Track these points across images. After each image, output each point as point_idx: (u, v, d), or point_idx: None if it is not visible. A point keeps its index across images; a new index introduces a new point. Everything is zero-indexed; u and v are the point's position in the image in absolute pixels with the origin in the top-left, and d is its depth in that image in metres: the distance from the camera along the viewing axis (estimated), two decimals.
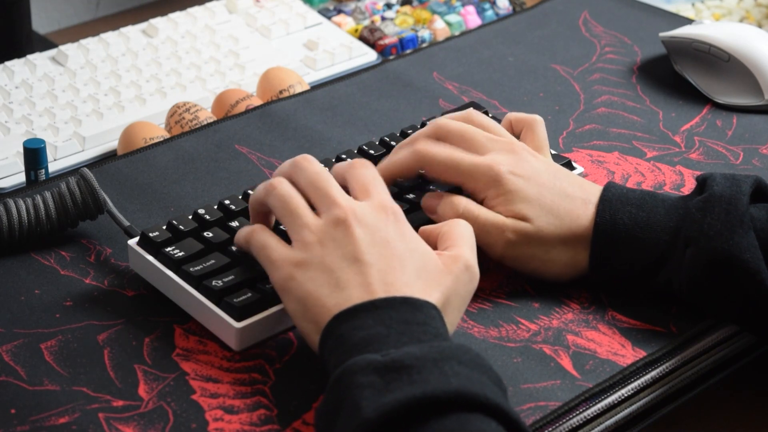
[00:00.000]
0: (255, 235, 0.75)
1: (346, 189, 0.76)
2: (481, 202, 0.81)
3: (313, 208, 0.74)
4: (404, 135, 0.90)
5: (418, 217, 0.82)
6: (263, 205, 0.76)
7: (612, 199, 0.81)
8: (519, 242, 0.80)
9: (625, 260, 0.80)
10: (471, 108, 0.88)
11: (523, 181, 0.81)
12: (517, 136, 0.86)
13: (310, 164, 0.75)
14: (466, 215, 0.80)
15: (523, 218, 0.80)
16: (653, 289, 0.81)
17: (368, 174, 0.75)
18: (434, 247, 0.75)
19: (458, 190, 0.83)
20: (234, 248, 0.78)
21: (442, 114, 0.90)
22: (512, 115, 0.88)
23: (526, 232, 0.80)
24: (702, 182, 0.82)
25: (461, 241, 0.75)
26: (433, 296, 0.71)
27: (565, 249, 0.81)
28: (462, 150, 0.82)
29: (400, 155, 0.83)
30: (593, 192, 0.82)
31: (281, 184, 0.74)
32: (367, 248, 0.71)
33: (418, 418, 0.62)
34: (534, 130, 0.86)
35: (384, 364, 0.65)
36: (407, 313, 0.69)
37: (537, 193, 0.81)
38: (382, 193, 0.74)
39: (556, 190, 0.81)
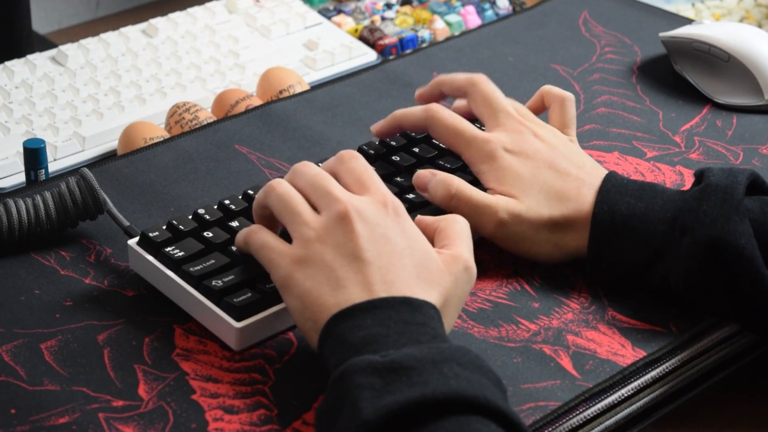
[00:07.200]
0: (253, 235, 0.75)
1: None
2: (476, 174, 0.83)
3: (314, 208, 0.74)
4: (405, 135, 0.90)
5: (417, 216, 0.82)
6: (265, 208, 0.75)
7: (611, 190, 0.81)
8: (510, 222, 0.81)
9: (622, 251, 0.80)
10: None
11: (517, 159, 0.82)
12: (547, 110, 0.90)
13: (308, 167, 0.75)
14: (458, 195, 0.81)
15: (513, 196, 0.81)
16: (650, 285, 0.81)
17: (360, 166, 0.75)
18: (431, 240, 0.75)
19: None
20: (234, 249, 0.78)
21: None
22: (546, 89, 0.90)
23: (518, 212, 0.81)
24: (699, 175, 0.83)
25: (459, 240, 0.74)
26: (432, 296, 0.71)
27: (556, 230, 0.81)
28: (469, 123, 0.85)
29: (413, 108, 0.87)
30: (595, 175, 0.83)
31: (280, 185, 0.74)
32: (367, 245, 0.71)
33: (417, 420, 0.62)
34: (563, 106, 0.89)
35: (383, 365, 0.65)
36: (406, 314, 0.68)
37: (530, 173, 0.82)
38: (380, 187, 0.74)
39: (552, 170, 0.82)
